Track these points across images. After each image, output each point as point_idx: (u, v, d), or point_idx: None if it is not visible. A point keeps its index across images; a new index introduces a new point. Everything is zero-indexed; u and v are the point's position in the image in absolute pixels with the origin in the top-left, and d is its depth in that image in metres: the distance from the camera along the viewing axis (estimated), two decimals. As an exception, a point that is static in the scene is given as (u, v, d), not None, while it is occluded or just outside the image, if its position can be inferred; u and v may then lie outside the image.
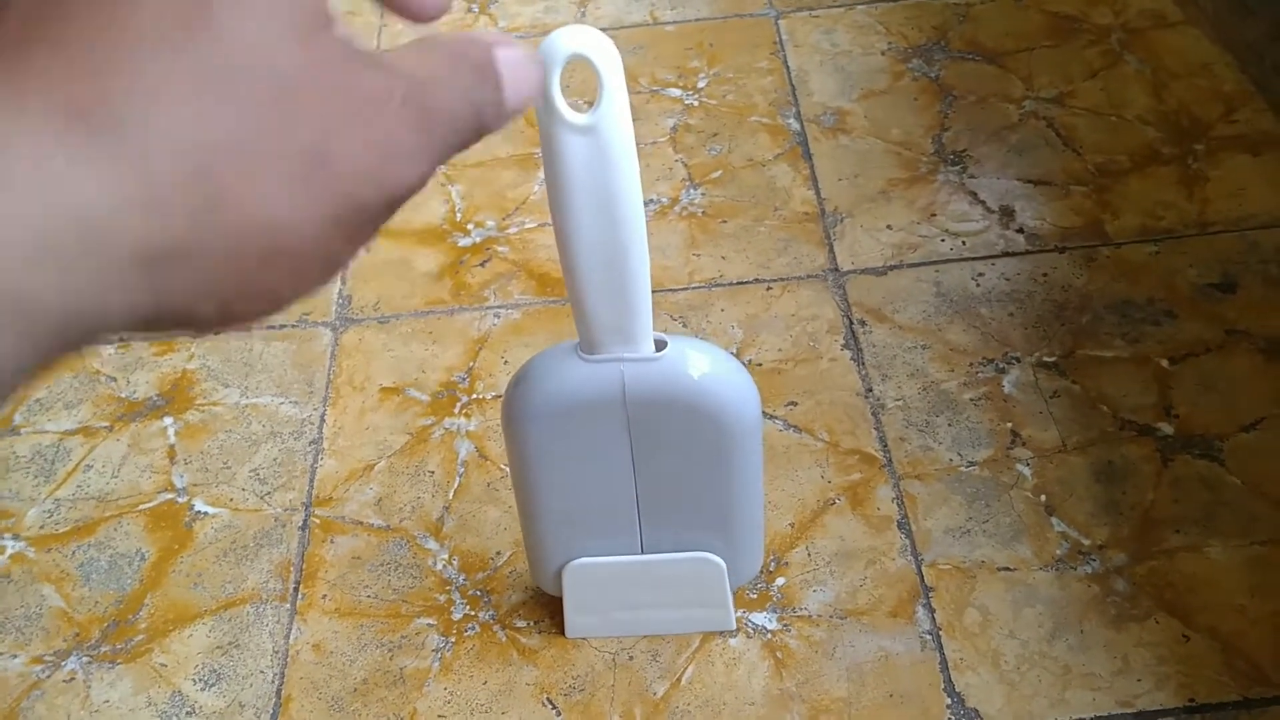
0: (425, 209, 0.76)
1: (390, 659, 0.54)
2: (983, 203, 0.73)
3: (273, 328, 0.70)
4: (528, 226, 0.74)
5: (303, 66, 0.23)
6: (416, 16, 0.28)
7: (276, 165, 0.22)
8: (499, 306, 0.70)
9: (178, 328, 0.23)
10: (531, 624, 0.54)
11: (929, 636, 0.53)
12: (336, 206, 0.23)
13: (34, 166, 0.19)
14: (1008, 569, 0.55)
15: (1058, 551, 0.55)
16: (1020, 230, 0.71)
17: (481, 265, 0.72)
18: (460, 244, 0.74)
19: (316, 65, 0.23)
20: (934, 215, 0.72)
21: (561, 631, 0.54)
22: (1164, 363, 0.63)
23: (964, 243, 0.70)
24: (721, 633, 0.53)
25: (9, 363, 0.20)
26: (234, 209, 0.21)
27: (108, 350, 0.69)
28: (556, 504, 0.50)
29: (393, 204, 0.24)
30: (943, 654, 0.52)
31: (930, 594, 0.54)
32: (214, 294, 0.22)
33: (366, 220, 0.23)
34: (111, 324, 0.21)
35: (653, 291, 0.69)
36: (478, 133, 0.26)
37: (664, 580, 0.52)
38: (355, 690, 0.53)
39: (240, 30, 0.22)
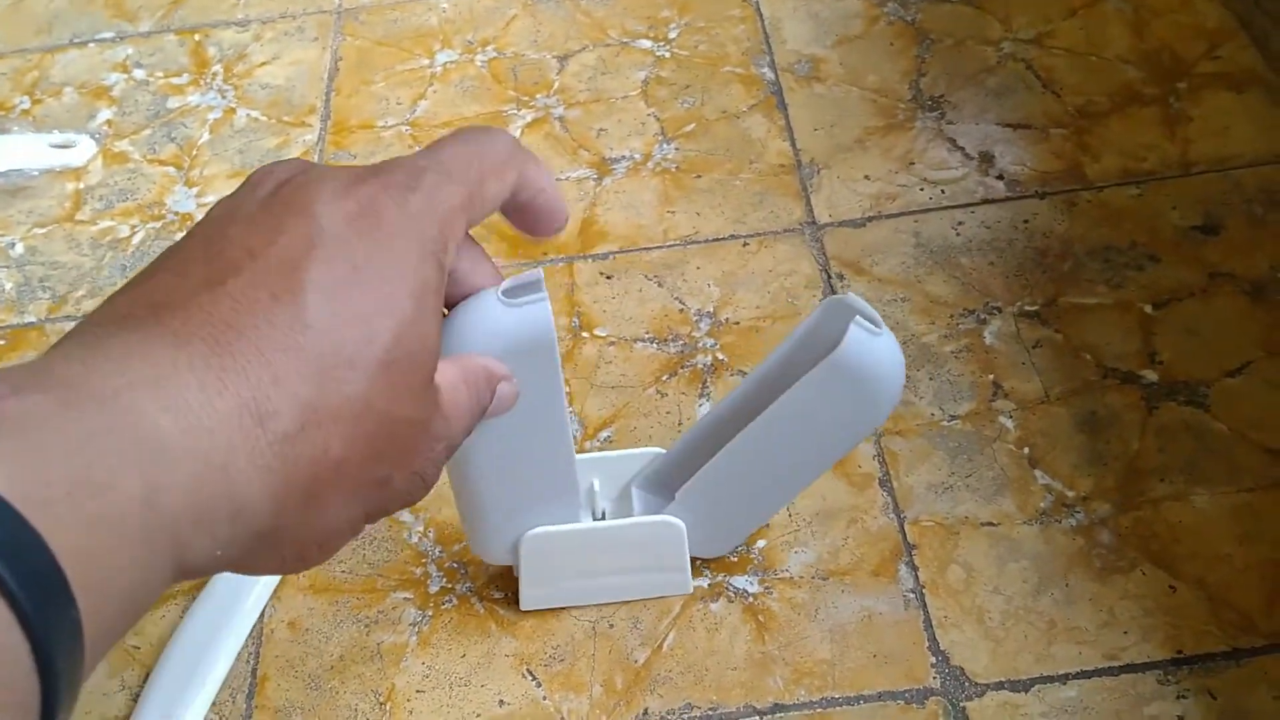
0: (392, 172, 0.74)
1: (367, 634, 0.53)
2: (961, 149, 0.71)
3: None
4: (497, 187, 0.72)
5: (409, 420, 0.31)
6: (543, 235, 0.38)
7: (358, 484, 0.30)
8: (470, 270, 0.68)
9: (240, 571, 0.30)
10: (510, 595, 0.54)
11: (912, 595, 0.52)
12: (374, 514, 0.31)
13: (223, 451, 0.26)
14: (991, 524, 0.54)
15: (1041, 505, 0.54)
16: (1000, 176, 0.69)
17: (451, 228, 0.71)
18: (429, 207, 0.72)
19: (415, 419, 0.31)
20: (912, 164, 0.71)
21: (540, 601, 0.53)
22: (1147, 308, 0.62)
23: (943, 191, 0.69)
24: (703, 598, 0.53)
25: (156, 588, 0.25)
26: (318, 511, 0.29)
27: (69, 326, 0.68)
28: (493, 467, 0.47)
29: (400, 509, 0.33)
30: (926, 612, 0.51)
31: (913, 552, 0.53)
32: (274, 563, 0.30)
33: (380, 517, 0.32)
34: (203, 570, 0.27)
35: (628, 250, 0.68)
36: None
37: (623, 546, 0.51)
38: (332, 667, 0.52)
39: (376, 383, 0.29)
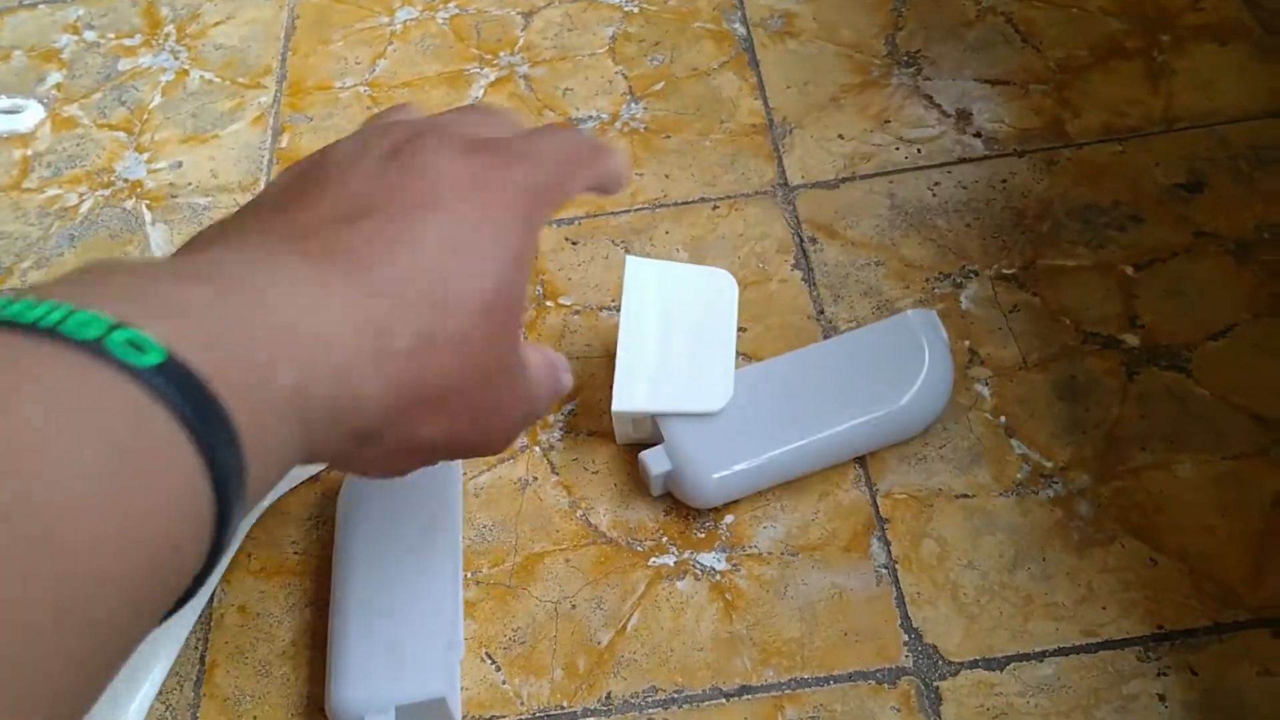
0: (348, 131, 0.71)
1: (319, 618, 0.51)
2: (938, 106, 0.69)
3: (191, 269, 0.65)
4: (459, 150, 0.70)
5: (500, 367, 0.36)
6: (610, 193, 0.42)
7: (450, 412, 0.34)
8: (430, 237, 0.66)
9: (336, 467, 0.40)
10: (468, 575, 0.52)
11: (884, 570, 0.50)
12: (455, 446, 0.36)
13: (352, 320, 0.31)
14: (966, 496, 0.52)
15: (1018, 475, 0.52)
16: (978, 134, 0.67)
17: (411, 194, 0.68)
18: (388, 172, 0.69)
19: (504, 368, 0.36)
20: (888, 122, 0.68)
21: (502, 582, 0.51)
22: (1129, 270, 0.60)
23: (919, 150, 0.67)
24: (668, 576, 0.51)
25: (289, 466, 0.30)
26: (414, 425, 0.34)
27: (17, 300, 0.65)
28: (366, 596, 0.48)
29: (469, 456, 0.38)
30: (899, 588, 0.50)
31: (885, 526, 0.51)
32: (365, 463, 0.35)
33: (461, 454, 0.38)
34: (320, 456, 0.32)
35: (594, 215, 0.66)
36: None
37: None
38: (283, 653, 0.50)
39: (475, 329, 0.34)
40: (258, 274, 0.30)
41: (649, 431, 0.53)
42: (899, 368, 0.52)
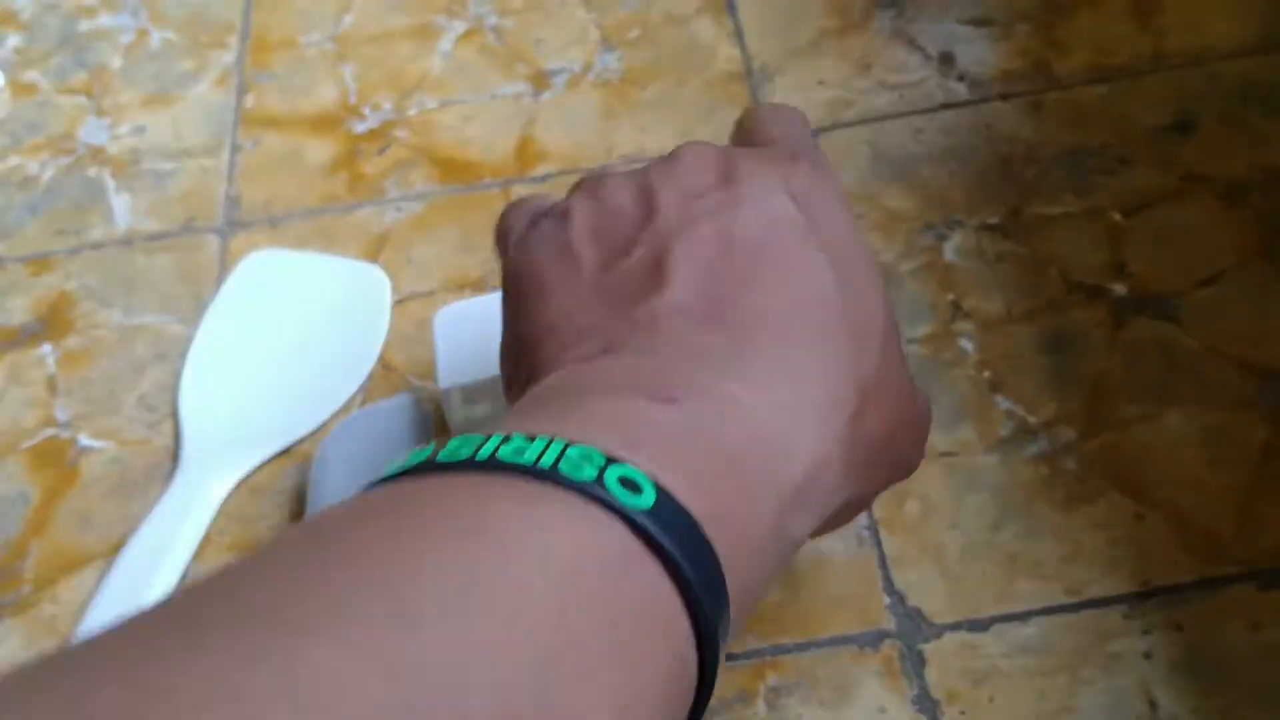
0: (316, 93, 0.69)
1: (294, 593, 0.50)
2: (921, 49, 0.67)
3: (155, 238, 0.64)
4: (429, 107, 0.68)
5: (908, 387, 0.34)
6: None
7: (894, 446, 0.34)
8: (400, 199, 0.64)
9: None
10: (443, 546, 0.51)
11: (867, 533, 0.49)
12: (893, 478, 0.36)
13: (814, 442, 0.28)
14: (950, 454, 0.51)
15: (1003, 432, 0.51)
16: (961, 78, 0.65)
17: (380, 153, 0.67)
18: (355, 130, 0.68)
19: (909, 385, 0.35)
20: (869, 67, 0.66)
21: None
22: (1117, 216, 0.58)
23: (901, 96, 0.65)
24: (646, 543, 0.50)
25: (762, 589, 0.27)
26: (871, 478, 0.33)
27: (-19, 273, 0.64)
28: None
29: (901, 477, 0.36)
30: (881, 551, 0.49)
31: (868, 487, 0.50)
32: (807, 526, 0.30)
33: (879, 490, 0.36)
34: (797, 544, 0.30)
35: (568, 171, 0.64)
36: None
37: None
38: (258, 630, 0.49)
39: (891, 347, 0.33)
40: (723, 383, 0.27)
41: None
42: None
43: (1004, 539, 0.48)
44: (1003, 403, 0.52)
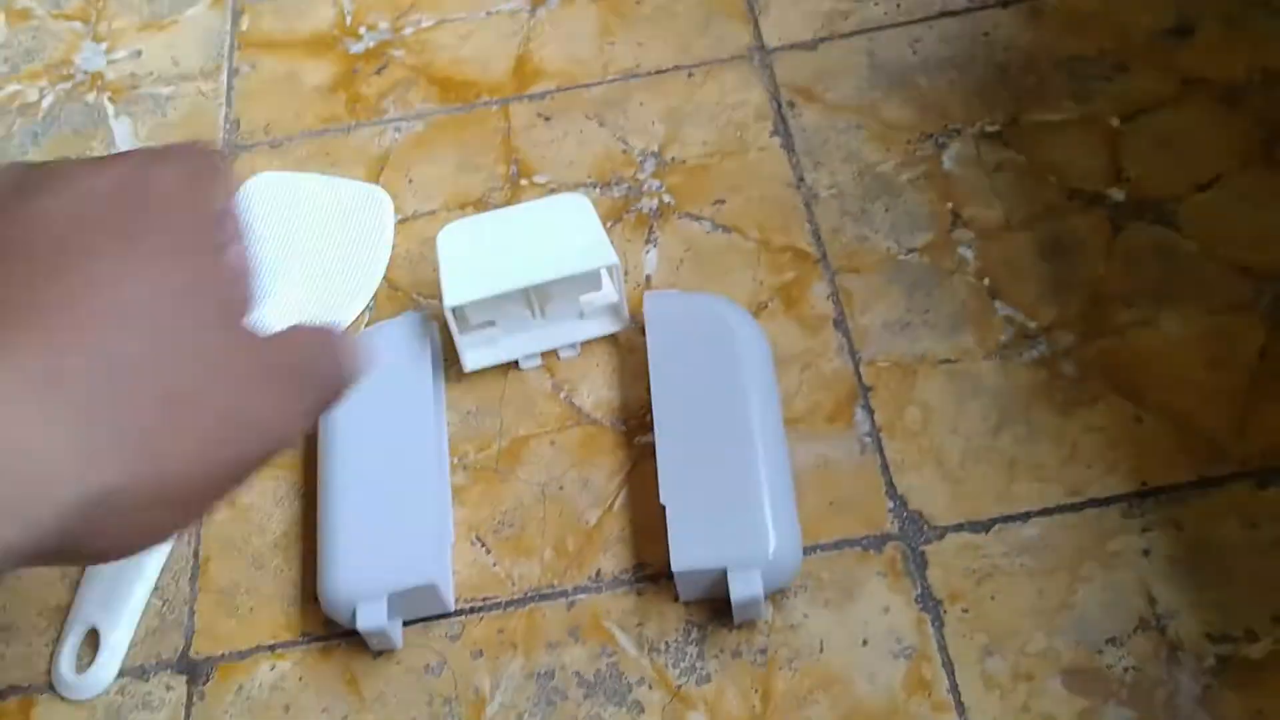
0: (311, 14, 0.69)
1: (309, 510, 0.51)
2: (919, -43, 0.66)
3: (158, 162, 0.64)
4: (424, 26, 0.68)
5: (221, 346, 0.30)
6: None
7: (197, 425, 0.28)
8: (399, 119, 0.64)
9: (68, 561, 0.28)
10: (454, 461, 0.52)
11: (869, 439, 0.50)
12: (229, 460, 0.29)
13: (3, 420, 0.24)
14: (950, 360, 0.52)
15: (1002, 338, 0.52)
16: (960, -14, 0.65)
17: (377, 73, 0.66)
18: (352, 51, 0.67)
19: (230, 345, 0.30)
20: (866, -24, 0.66)
21: (489, 467, 0.51)
22: (1115, 121, 0.58)
23: (899, 5, 0.64)
24: (653, 453, 0.51)
25: None
26: (157, 460, 0.27)
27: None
28: (348, 488, 0.49)
29: (267, 459, 0.31)
30: (883, 456, 0.50)
31: (869, 393, 0.51)
32: (117, 532, 0.27)
33: (245, 472, 0.30)
34: (29, 561, 0.26)
35: (566, 88, 0.64)
36: (335, 398, 0.34)
37: (536, 228, 0.52)
38: (275, 545, 0.51)
39: (177, 321, 0.28)
40: None
41: None
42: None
43: (1004, 443, 0.49)
44: (1002, 309, 0.53)
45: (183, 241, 0.30)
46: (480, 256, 0.52)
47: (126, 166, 0.31)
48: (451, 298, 0.50)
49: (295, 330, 0.33)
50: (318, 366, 0.33)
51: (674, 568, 0.45)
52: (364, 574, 0.46)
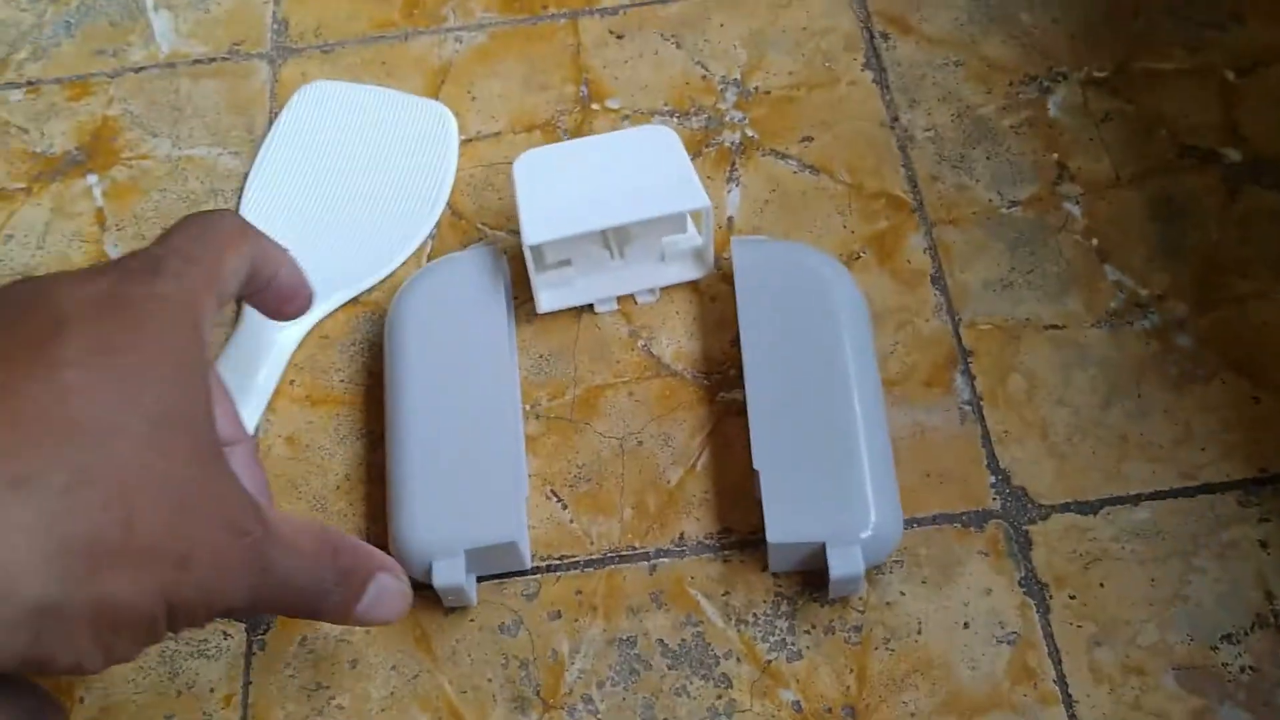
0: (365, -92, 0.64)
1: (371, 451, 0.48)
2: (1021, -120, 0.62)
3: (200, 62, 0.60)
4: (488, -74, 0.63)
5: (191, 483, 0.30)
6: (290, 317, 0.39)
7: (149, 556, 0.29)
8: (459, 28, 0.60)
9: (36, 671, 0.29)
10: (526, 408, 0.49)
11: (969, 407, 0.48)
12: (175, 602, 0.30)
13: None
14: (1055, 326, 0.49)
15: (1111, 304, 0.49)
16: (1065, -86, 0.60)
17: (437, -24, 0.62)
18: (410, -50, 0.63)
19: (200, 484, 0.30)
20: (964, -102, 0.62)
21: (563, 416, 0.48)
22: (1230, 75, 0.55)
23: (1000, -68, 0.60)
24: (739, 411, 0.48)
25: None
26: (107, 581, 0.28)
27: (14, 96, 0.60)
28: (417, 437, 0.45)
29: (210, 617, 0.31)
30: (984, 426, 0.47)
31: (969, 358, 0.49)
32: (73, 647, 0.28)
33: (189, 618, 0.31)
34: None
35: (641, 4, 0.60)
36: (308, 612, 0.34)
37: (620, 161, 0.48)
38: (338, 488, 0.48)
39: (150, 446, 0.29)
40: None
41: None
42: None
43: (1113, 418, 0.47)
44: (1111, 273, 0.50)
45: (165, 367, 0.30)
46: (560, 190, 0.48)
47: (114, 277, 0.31)
48: (532, 235, 0.46)
49: (304, 527, 0.34)
50: (289, 571, 0.33)
51: (769, 539, 0.42)
52: (440, 527, 0.43)
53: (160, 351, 0.30)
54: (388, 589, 0.36)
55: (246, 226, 0.36)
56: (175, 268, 0.32)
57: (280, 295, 0.38)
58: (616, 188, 0.48)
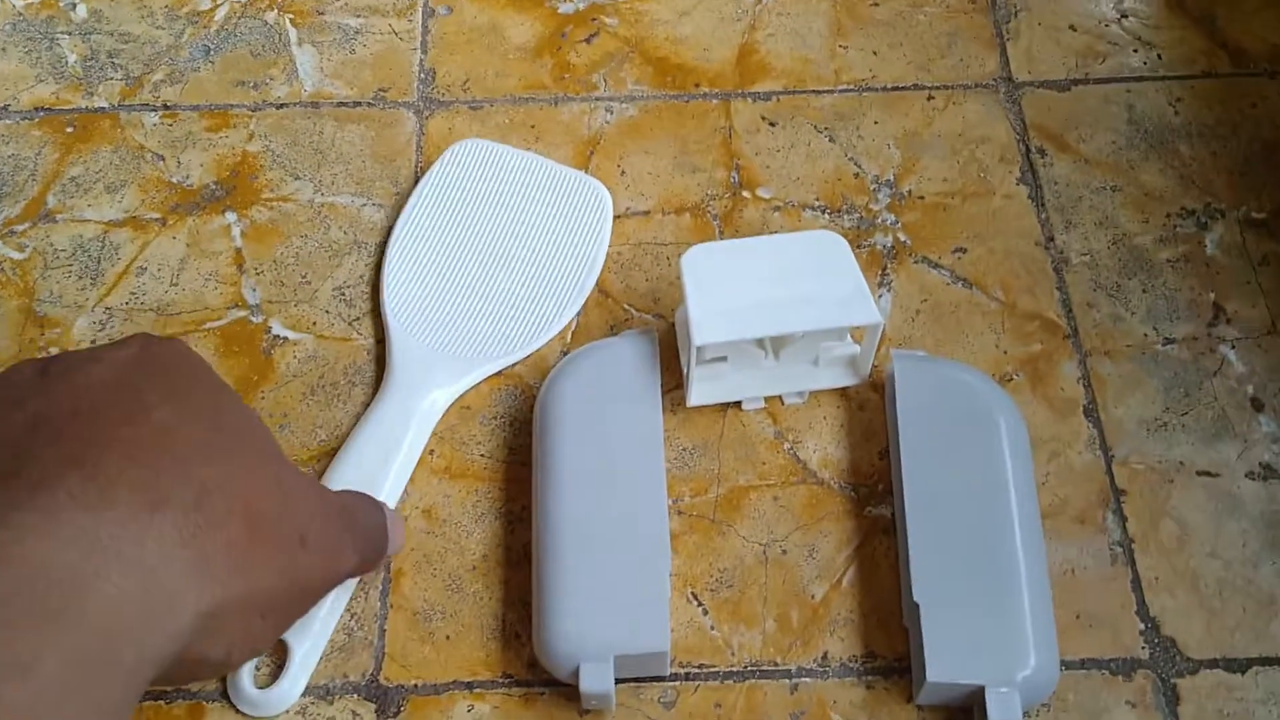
0: (521, -36, 0.63)
1: (510, 532, 0.48)
2: (1183, 6, 0.62)
3: (345, 105, 0.59)
4: (643, -5, 0.63)
5: (289, 476, 0.36)
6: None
7: (277, 541, 0.34)
8: (611, 98, 0.59)
9: (186, 674, 0.37)
10: (670, 503, 0.48)
11: (1119, 549, 0.47)
12: (305, 579, 0.36)
13: (134, 547, 0.29)
14: (1209, 474, 0.49)
15: (1266, 456, 0.49)
16: (1224, 45, 0.60)
17: (587, 41, 0.61)
18: (560, 10, 0.62)
19: (296, 476, 0.37)
20: (1124, 18, 0.61)
21: (705, 515, 0.48)
22: (1386, 227, 0.55)
23: (1160, 56, 0.60)
24: (886, 529, 0.47)
25: None
26: (251, 573, 0.32)
27: (150, 119, 0.59)
28: (564, 530, 0.45)
29: (331, 586, 0.39)
30: (1135, 570, 0.47)
31: (1122, 498, 0.48)
32: (226, 641, 0.33)
33: (317, 592, 0.38)
34: (143, 681, 0.30)
35: (794, 92, 0.59)
36: (379, 557, 0.42)
37: (789, 265, 0.48)
38: (474, 568, 0.47)
39: (245, 454, 0.34)
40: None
41: None
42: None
43: (1265, 576, 0.46)
44: (1266, 424, 0.50)
45: (221, 394, 0.36)
46: (728, 289, 0.48)
47: (139, 343, 0.36)
48: (701, 335, 0.46)
49: (349, 491, 0.42)
50: (369, 524, 0.41)
51: (929, 678, 0.42)
52: (591, 629, 0.43)
53: (210, 387, 0.36)
54: (396, 519, 0.44)
55: None
56: (176, 342, 0.38)
57: None
58: (787, 292, 0.47)
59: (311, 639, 0.45)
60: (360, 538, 0.40)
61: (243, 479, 0.33)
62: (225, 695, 0.44)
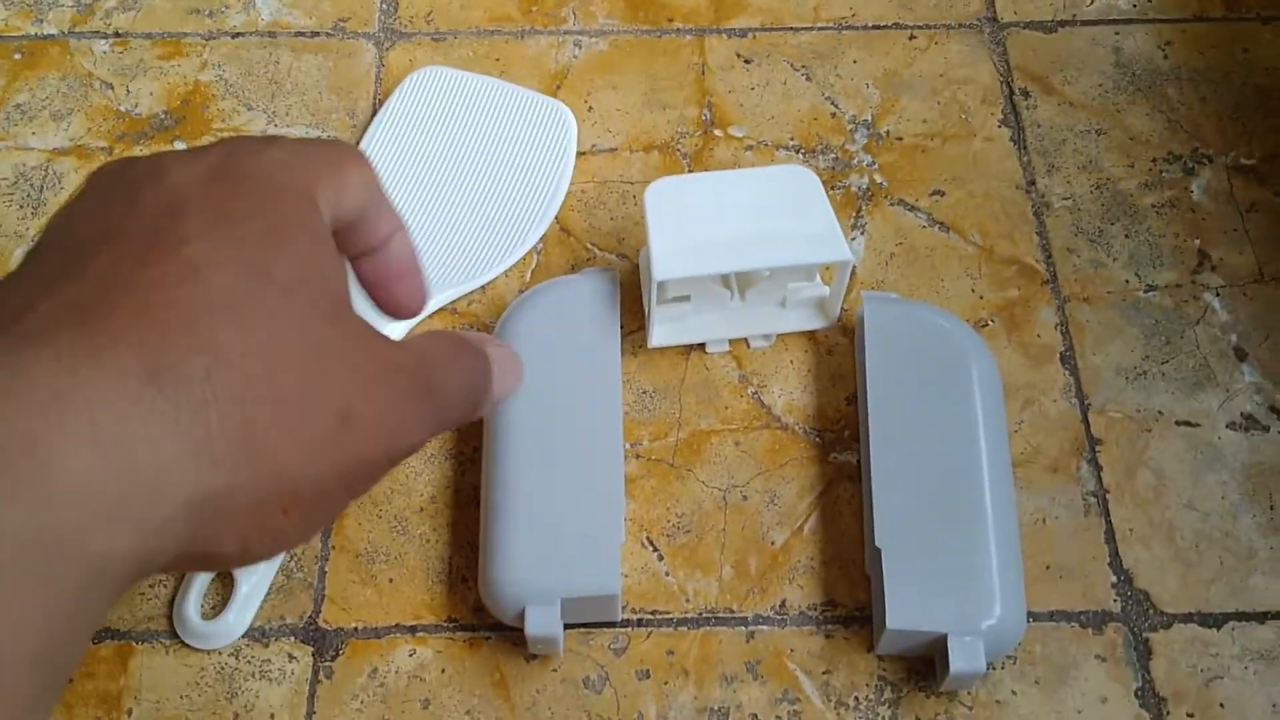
0: (490, -107, 0.61)
1: (460, 473, 0.46)
2: (1172, -55, 0.59)
3: (303, 35, 0.57)
4: (617, -72, 0.60)
5: (334, 339, 0.28)
6: (398, 315, 0.35)
7: (308, 421, 0.27)
8: (579, 32, 0.57)
9: (197, 566, 0.28)
10: (627, 447, 0.46)
11: (1093, 499, 0.45)
12: (348, 463, 0.28)
13: (115, 422, 0.24)
14: (1189, 424, 0.47)
15: (1247, 408, 0.47)
16: (1217, -13, 0.58)
17: (559, -27, 0.59)
18: (532, -57, 0.60)
19: (344, 338, 0.28)
20: (1113, -43, 0.59)
21: (664, 459, 0.46)
22: (1380, 176, 0.53)
23: (1149, -2, 0.58)
24: (851, 476, 0.46)
25: (85, 622, 0.24)
26: (269, 459, 0.26)
27: (100, 46, 0.56)
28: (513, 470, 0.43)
29: (391, 464, 0.30)
30: (1109, 522, 0.45)
31: (1097, 447, 0.46)
32: (238, 535, 0.27)
33: (367, 476, 0.29)
34: (152, 567, 0.25)
35: (771, 29, 0.57)
36: (470, 413, 0.33)
37: (757, 200, 0.46)
38: (421, 509, 0.45)
39: (285, 311, 0.27)
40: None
41: None
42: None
43: (1243, 529, 0.45)
44: (1249, 374, 0.48)
45: (288, 230, 0.28)
46: (693, 224, 0.46)
47: (223, 150, 0.29)
48: (662, 270, 0.44)
49: (429, 337, 0.32)
50: (449, 382, 0.32)
51: (889, 625, 0.40)
52: (538, 571, 0.41)
53: (281, 216, 0.28)
54: (504, 358, 0.35)
55: (370, 164, 0.33)
56: (289, 146, 0.30)
57: (392, 268, 0.34)
58: (754, 228, 0.45)
59: (260, 571, 0.43)
60: (435, 403, 0.32)
61: (276, 347, 0.27)
62: (154, 636, 0.43)
